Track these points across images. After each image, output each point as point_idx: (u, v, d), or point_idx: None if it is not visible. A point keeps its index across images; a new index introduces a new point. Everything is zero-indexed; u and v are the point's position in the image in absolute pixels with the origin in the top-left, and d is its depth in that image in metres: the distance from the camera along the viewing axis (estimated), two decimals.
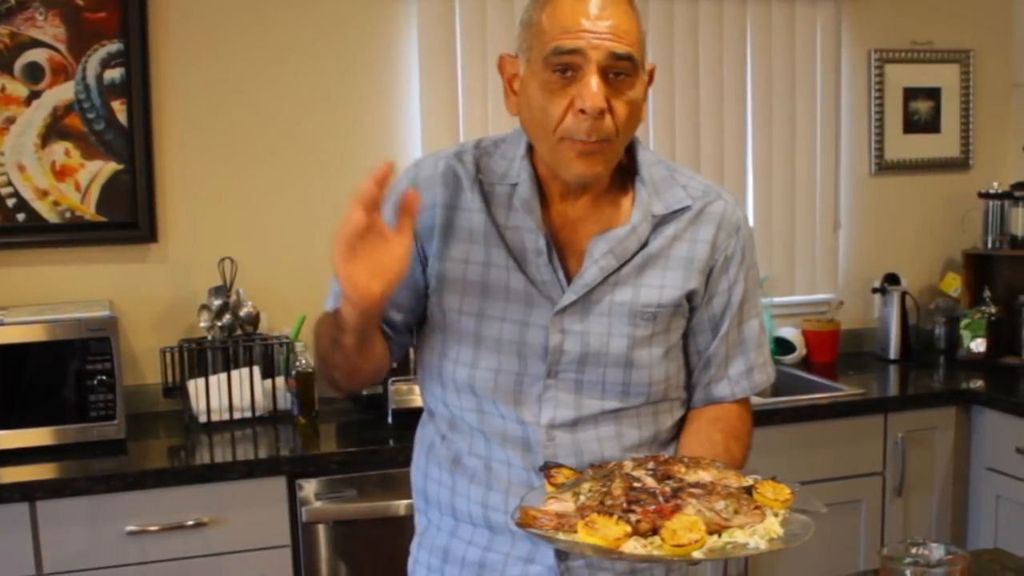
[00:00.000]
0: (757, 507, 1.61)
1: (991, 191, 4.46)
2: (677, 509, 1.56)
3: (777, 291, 4.45)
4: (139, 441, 3.38)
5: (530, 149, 1.88)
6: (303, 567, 3.22)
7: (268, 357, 3.67)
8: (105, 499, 3.03)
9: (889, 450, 3.83)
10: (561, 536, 1.56)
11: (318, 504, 3.21)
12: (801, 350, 4.39)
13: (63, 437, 3.26)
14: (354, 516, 3.21)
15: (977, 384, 4.04)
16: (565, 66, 1.72)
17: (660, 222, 1.89)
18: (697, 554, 1.51)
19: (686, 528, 1.53)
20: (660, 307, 1.88)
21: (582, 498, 1.64)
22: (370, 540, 3.23)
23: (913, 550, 1.78)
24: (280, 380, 3.65)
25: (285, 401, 3.63)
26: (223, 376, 3.55)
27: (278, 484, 3.18)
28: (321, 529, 3.22)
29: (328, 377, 1.94)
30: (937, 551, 1.78)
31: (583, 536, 1.53)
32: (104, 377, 3.28)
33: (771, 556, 1.59)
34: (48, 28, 3.56)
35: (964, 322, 4.40)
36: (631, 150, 1.91)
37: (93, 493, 3.02)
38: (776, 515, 1.62)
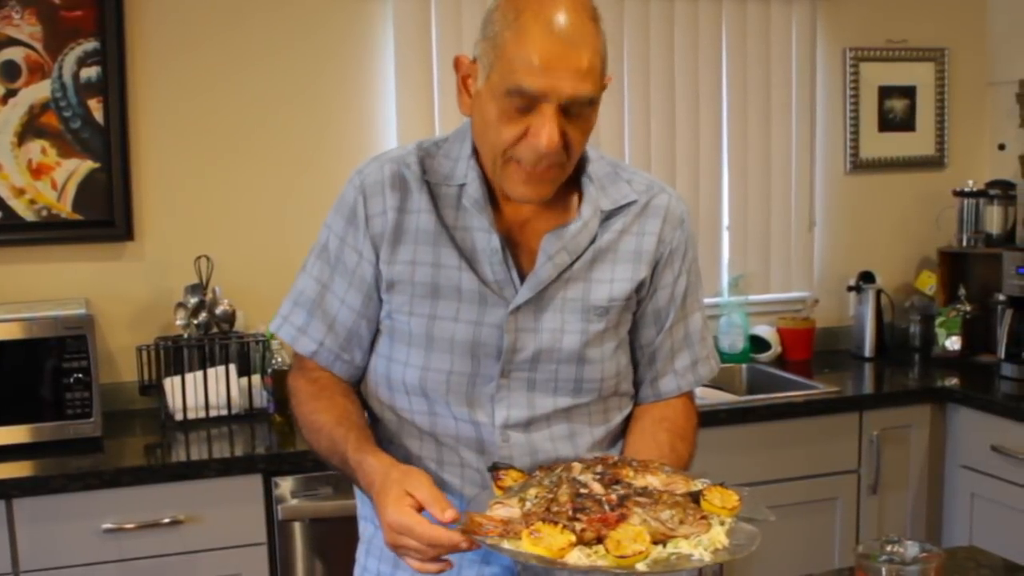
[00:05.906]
0: (703, 516, 1.60)
1: (966, 189, 4.48)
2: (622, 519, 1.56)
3: (752, 289, 4.47)
4: (115, 439, 3.37)
5: (476, 148, 1.87)
6: (279, 565, 3.22)
7: (244, 355, 3.67)
8: (81, 497, 3.02)
9: (864, 448, 3.85)
10: (506, 544, 1.55)
11: (294, 502, 3.21)
12: (776, 348, 4.41)
13: (39, 435, 3.25)
14: (330, 514, 3.21)
15: (952, 382, 4.06)
16: (525, 104, 1.69)
17: (607, 217, 1.90)
18: (640, 566, 1.50)
19: (630, 538, 1.52)
20: (612, 301, 1.90)
21: (528, 504, 1.63)
22: (346, 538, 3.20)
23: (888, 548, 1.79)
24: (256, 378, 3.65)
25: (261, 399, 3.63)
26: (199, 374, 3.55)
27: (254, 482, 3.17)
28: (297, 527, 3.22)
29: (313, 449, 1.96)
30: (912, 549, 1.78)
31: (527, 546, 1.52)
32: (80, 375, 3.28)
33: (747, 555, 1.60)
34: (24, 26, 3.54)
35: (939, 320, 4.43)
36: None
37: (69, 491, 3.01)
38: (723, 524, 1.61)
